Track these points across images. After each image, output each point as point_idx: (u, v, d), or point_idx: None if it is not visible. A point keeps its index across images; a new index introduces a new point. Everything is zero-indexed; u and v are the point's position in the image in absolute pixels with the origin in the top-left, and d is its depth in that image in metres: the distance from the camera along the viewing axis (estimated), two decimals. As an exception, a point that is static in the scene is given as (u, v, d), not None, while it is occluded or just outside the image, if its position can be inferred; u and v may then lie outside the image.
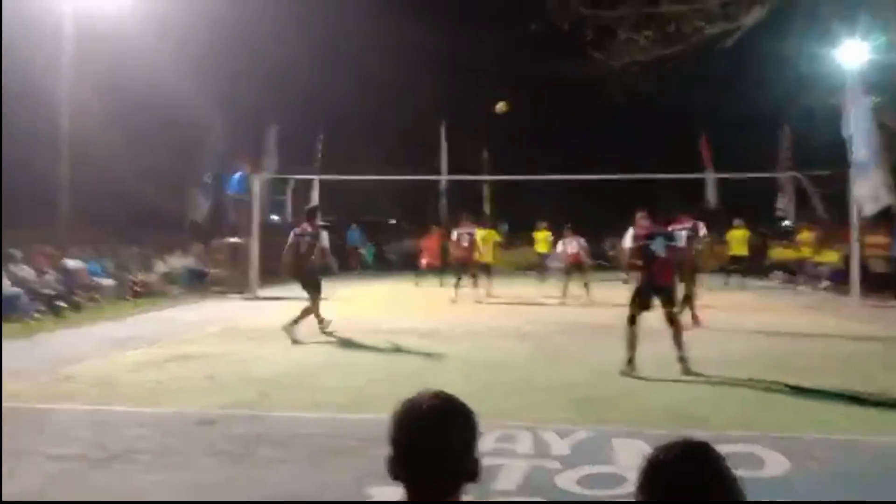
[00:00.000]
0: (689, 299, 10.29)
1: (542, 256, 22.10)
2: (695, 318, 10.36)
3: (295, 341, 8.99)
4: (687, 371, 7.13)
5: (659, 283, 7.40)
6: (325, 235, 9.91)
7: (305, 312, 9.49)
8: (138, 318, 11.94)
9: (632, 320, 7.36)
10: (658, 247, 7.36)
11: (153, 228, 20.88)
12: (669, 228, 8.32)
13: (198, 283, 17.21)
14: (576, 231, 15.31)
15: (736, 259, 16.91)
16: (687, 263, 9.81)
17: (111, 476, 4.28)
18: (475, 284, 14.44)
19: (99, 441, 4.90)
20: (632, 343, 7.25)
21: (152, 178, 19.86)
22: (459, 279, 14.37)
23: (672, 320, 7.39)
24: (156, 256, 17.51)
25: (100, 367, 7.53)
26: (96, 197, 19.27)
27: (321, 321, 9.78)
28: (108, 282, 14.43)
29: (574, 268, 14.97)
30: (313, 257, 9.73)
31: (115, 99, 19.39)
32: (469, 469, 1.53)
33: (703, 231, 10.92)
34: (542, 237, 22.04)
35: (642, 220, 7.49)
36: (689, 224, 10.46)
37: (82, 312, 12.33)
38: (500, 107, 5.90)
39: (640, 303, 7.42)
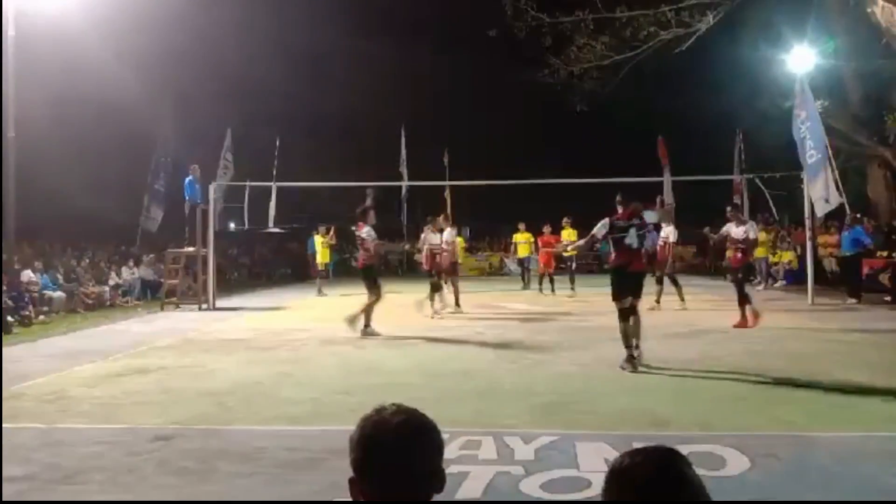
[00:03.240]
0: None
1: (523, 260, 20.69)
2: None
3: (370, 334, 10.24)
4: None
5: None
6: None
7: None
8: (91, 332, 11.62)
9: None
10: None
11: (105, 239, 20.40)
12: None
13: (152, 295, 16.87)
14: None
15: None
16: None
17: (64, 497, 4.13)
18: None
19: (51, 461, 4.73)
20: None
21: (103, 188, 19.41)
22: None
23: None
24: (108, 268, 17.13)
25: (51, 384, 7.29)
26: (45, 208, 18.76)
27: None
28: (58, 295, 14.07)
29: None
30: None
31: (63, 105, 18.90)
32: (435, 486, 1.50)
33: None
34: (523, 239, 20.30)
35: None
36: None
37: (32, 327, 11.98)
38: None
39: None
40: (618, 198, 8.15)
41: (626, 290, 7.68)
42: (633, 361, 7.42)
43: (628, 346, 7.53)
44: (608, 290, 7.95)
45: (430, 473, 1.48)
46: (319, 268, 18.15)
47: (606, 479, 1.36)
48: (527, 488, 4.09)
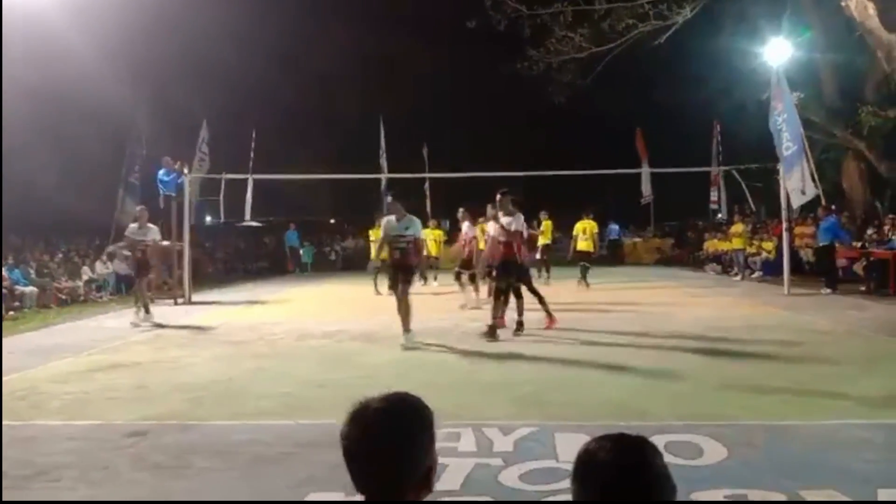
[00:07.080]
0: None
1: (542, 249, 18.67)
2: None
3: None
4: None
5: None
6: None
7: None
8: (63, 327, 11.46)
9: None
10: None
11: (78, 233, 20.12)
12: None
13: (126, 289, 16.64)
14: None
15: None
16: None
17: (36, 494, 4.05)
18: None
19: (23, 458, 4.64)
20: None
21: (77, 181, 19.12)
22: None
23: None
24: (81, 262, 16.88)
25: (23, 380, 7.17)
26: (17, 202, 18.45)
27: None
28: (30, 290, 13.85)
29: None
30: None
31: (36, 98, 18.57)
32: (422, 475, 1.46)
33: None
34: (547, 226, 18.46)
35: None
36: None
37: (4, 322, 11.77)
38: None
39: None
40: (498, 197, 9.54)
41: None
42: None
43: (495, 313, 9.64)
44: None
45: (409, 463, 1.44)
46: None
47: (574, 464, 1.38)
48: (506, 480, 4.08)
